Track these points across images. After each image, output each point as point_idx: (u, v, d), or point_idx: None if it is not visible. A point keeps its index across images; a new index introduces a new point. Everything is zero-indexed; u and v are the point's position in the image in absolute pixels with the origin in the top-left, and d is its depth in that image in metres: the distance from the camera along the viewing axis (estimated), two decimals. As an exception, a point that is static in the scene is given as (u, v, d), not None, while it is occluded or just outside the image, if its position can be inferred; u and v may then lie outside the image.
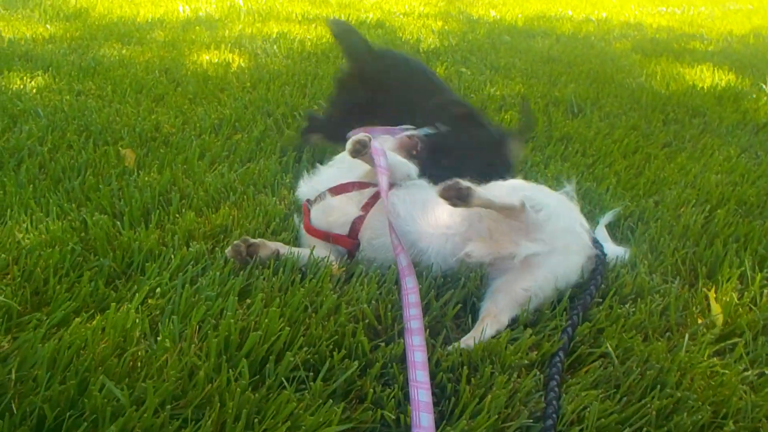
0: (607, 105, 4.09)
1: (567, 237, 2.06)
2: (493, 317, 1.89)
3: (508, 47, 5.48)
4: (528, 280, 1.96)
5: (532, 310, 1.94)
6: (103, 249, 2.04)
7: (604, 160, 3.16)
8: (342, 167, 2.34)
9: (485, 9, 7.74)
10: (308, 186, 2.34)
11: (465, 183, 1.91)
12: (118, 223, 2.23)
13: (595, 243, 2.17)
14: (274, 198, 2.50)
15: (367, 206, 2.14)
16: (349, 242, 2.13)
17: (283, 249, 2.07)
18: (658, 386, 1.68)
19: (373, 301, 1.89)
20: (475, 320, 1.91)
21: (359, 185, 2.21)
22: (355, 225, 2.13)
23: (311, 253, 2.07)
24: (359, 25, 6.31)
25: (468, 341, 1.79)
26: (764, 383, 1.74)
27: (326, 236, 2.14)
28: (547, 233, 2.01)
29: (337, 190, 2.21)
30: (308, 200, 2.27)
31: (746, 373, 1.76)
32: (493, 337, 1.81)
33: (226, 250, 2.05)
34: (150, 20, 5.88)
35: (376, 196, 2.15)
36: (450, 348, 1.76)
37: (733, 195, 2.82)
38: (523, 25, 6.94)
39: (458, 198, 1.90)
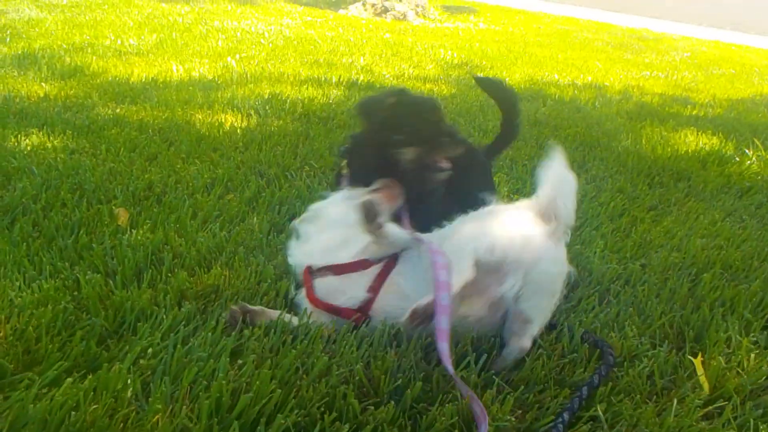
0: (593, 168, 4.16)
1: (527, 250, 1.99)
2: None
3: (496, 110, 5.58)
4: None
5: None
6: (96, 308, 2.05)
7: (591, 223, 3.21)
8: (334, 235, 2.27)
9: (474, 72, 7.92)
10: (301, 251, 2.31)
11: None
12: (111, 282, 2.24)
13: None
14: (264, 258, 2.52)
15: (374, 289, 2.08)
16: (359, 318, 2.06)
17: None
18: (648, 451, 1.69)
19: (362, 360, 1.89)
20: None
21: (362, 264, 2.14)
22: (365, 306, 2.07)
23: (308, 316, 2.08)
24: (350, 86, 6.43)
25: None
26: (753, 448, 1.75)
27: (335, 310, 2.08)
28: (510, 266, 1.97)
29: (340, 269, 2.13)
30: (309, 268, 2.19)
31: (734, 438, 1.77)
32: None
33: (222, 315, 2.06)
34: (144, 80, 5.97)
35: (382, 275, 2.09)
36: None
37: (718, 259, 2.86)
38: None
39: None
